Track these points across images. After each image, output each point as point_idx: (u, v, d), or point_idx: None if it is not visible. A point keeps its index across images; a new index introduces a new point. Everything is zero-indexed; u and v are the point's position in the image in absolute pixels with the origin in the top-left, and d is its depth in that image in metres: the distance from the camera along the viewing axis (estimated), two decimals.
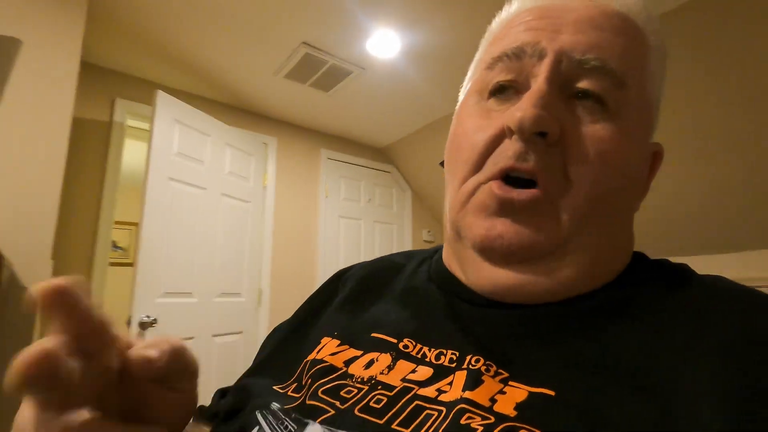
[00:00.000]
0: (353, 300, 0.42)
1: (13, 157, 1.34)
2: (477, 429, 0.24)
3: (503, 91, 0.33)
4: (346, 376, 0.32)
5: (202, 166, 2.28)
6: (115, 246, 4.35)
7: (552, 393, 0.25)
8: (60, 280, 0.19)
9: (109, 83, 2.28)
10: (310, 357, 0.35)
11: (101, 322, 0.20)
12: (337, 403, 0.29)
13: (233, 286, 2.41)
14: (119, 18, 1.88)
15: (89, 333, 0.20)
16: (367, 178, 3.38)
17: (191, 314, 2.10)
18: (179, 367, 0.23)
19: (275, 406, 0.31)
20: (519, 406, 0.25)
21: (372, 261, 0.48)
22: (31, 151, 1.38)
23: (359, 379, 0.31)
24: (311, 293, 0.48)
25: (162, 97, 2.05)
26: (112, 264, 3.69)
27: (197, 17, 1.87)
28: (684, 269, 0.32)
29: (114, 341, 0.21)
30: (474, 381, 0.27)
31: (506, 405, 0.25)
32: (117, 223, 3.79)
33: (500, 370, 0.28)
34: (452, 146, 0.36)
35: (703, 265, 1.87)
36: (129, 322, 1.82)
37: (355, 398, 0.29)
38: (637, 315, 0.29)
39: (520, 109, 0.29)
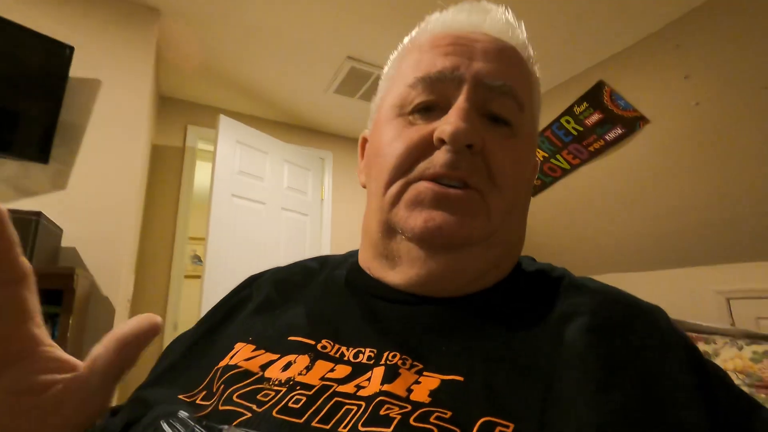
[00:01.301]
0: (267, 305, 0.41)
1: (96, 181, 1.54)
2: (395, 418, 0.26)
3: (426, 109, 0.37)
4: (263, 380, 0.31)
5: (262, 182, 2.42)
6: (199, 260, 4.78)
7: (461, 379, 0.28)
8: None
9: (182, 112, 2.54)
10: (222, 363, 0.34)
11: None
12: (254, 407, 0.28)
13: None
14: (185, 54, 2.09)
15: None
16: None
17: None
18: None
19: (183, 414, 0.29)
20: (432, 393, 0.27)
21: (286, 266, 0.48)
22: (111, 175, 1.57)
23: (276, 382, 0.30)
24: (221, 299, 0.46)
25: (224, 121, 2.23)
26: (194, 276, 4.06)
27: (250, 44, 2.01)
28: (562, 273, 0.38)
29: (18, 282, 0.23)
30: (391, 375, 0.29)
31: (421, 393, 0.28)
32: (200, 239, 4.18)
33: (415, 363, 0.30)
34: (376, 156, 0.39)
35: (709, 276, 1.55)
36: None
37: (273, 400, 0.29)
38: (524, 310, 0.34)
39: (450, 123, 0.33)
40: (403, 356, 0.31)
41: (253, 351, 0.34)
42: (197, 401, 0.31)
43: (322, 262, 0.47)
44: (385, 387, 0.28)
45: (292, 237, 2.56)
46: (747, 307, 1.82)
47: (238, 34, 1.94)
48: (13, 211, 1.16)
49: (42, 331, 0.26)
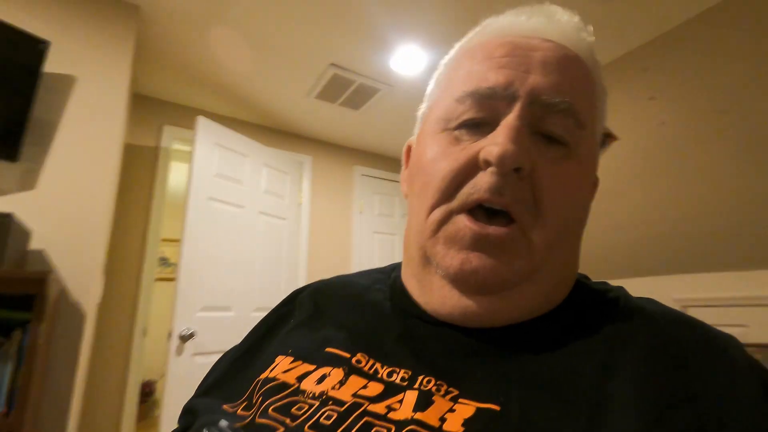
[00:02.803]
0: (308, 319, 0.41)
1: (68, 180, 1.48)
2: None
3: (474, 125, 0.34)
4: (298, 392, 0.32)
5: (240, 185, 2.39)
6: (167, 263, 4.63)
7: (497, 408, 0.27)
8: None
9: (157, 112, 2.47)
10: (263, 376, 0.35)
11: None
12: (288, 420, 0.29)
13: (269, 300, 2.48)
14: (164, 52, 2.04)
15: None
16: (401, 193, 3.38)
17: (228, 328, 2.18)
18: None
19: (223, 423, 0.31)
20: (466, 422, 0.26)
21: (328, 279, 0.48)
22: (84, 175, 1.52)
23: (310, 395, 0.31)
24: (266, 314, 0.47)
25: (202, 122, 2.19)
26: (162, 279, 3.93)
27: (233, 47, 1.98)
28: (618, 294, 0.35)
29: None
30: (425, 402, 0.28)
31: (455, 422, 0.27)
32: (169, 240, 4.05)
33: (451, 389, 0.29)
34: (419, 171, 0.37)
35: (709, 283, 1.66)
36: (170, 335, 1.91)
37: (306, 415, 0.29)
38: (572, 336, 0.31)
39: (498, 144, 0.30)
40: (438, 382, 0.30)
41: (291, 363, 0.35)
42: (238, 412, 0.33)
43: (366, 275, 0.47)
44: (418, 415, 0.27)
45: (269, 241, 2.53)
46: (703, 315, 1.94)
47: (219, 35, 1.91)
48: None
49: None
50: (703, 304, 1.92)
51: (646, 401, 0.25)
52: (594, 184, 0.39)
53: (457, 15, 1.72)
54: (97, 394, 2.03)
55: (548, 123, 0.32)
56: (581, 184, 0.34)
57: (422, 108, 0.42)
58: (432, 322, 0.35)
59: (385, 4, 1.69)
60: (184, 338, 1.94)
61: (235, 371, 0.40)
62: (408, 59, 2.03)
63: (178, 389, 1.87)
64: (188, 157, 2.21)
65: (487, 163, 0.31)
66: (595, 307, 0.34)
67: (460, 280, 0.32)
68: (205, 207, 2.15)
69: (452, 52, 0.41)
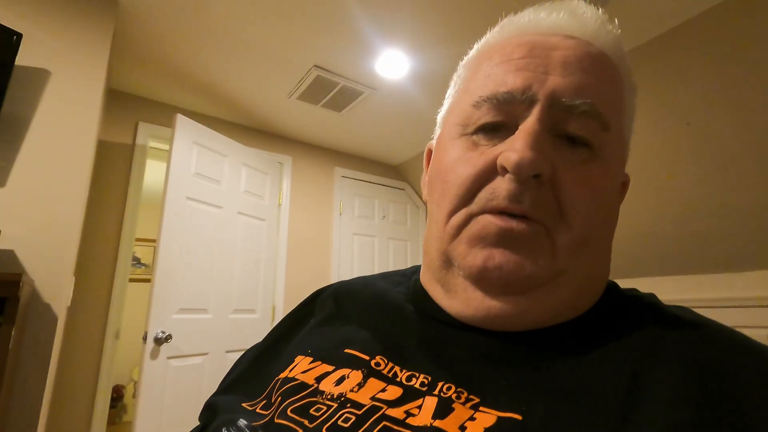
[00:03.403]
0: (328, 319, 0.42)
1: (39, 178, 1.42)
2: None
3: (492, 129, 0.33)
4: (317, 392, 0.32)
5: (219, 185, 2.35)
6: (139, 263, 4.49)
7: (519, 417, 0.26)
8: None
9: (133, 108, 2.40)
10: (282, 375, 0.35)
11: None
12: (306, 422, 0.30)
13: (248, 302, 2.45)
14: (142, 47, 1.99)
15: None
16: (381, 196, 3.40)
17: (206, 330, 2.14)
18: None
19: (242, 422, 0.31)
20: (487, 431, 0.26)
21: (349, 280, 0.48)
22: (56, 172, 1.46)
23: (329, 396, 0.31)
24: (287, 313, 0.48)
25: (181, 120, 2.14)
26: (135, 280, 3.82)
27: (214, 45, 1.96)
28: (651, 302, 0.34)
29: None
30: (444, 409, 0.28)
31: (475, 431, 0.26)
32: (141, 240, 3.94)
33: (471, 396, 0.28)
34: (437, 177, 0.36)
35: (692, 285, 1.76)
36: (145, 338, 1.86)
37: (324, 416, 0.30)
38: (601, 344, 0.30)
39: (515, 151, 0.29)
40: (459, 389, 0.29)
41: (311, 363, 0.35)
42: (257, 410, 0.33)
43: (386, 277, 0.47)
44: (437, 423, 0.27)
45: (247, 242, 2.50)
46: None
47: (200, 33, 1.88)
48: None
49: None
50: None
51: (679, 411, 0.24)
52: (624, 184, 0.37)
53: (441, 21, 1.75)
54: (67, 398, 1.96)
55: (570, 125, 0.31)
56: (607, 186, 0.32)
57: (441, 111, 0.41)
58: (454, 326, 0.34)
59: (369, 7, 1.71)
60: (159, 341, 1.89)
61: (256, 369, 0.40)
62: (391, 63, 2.05)
63: (152, 393, 1.83)
64: (164, 156, 2.16)
65: (505, 170, 0.30)
66: (626, 314, 0.32)
67: (484, 279, 0.31)
68: (183, 207, 2.11)
69: (471, 53, 0.40)
